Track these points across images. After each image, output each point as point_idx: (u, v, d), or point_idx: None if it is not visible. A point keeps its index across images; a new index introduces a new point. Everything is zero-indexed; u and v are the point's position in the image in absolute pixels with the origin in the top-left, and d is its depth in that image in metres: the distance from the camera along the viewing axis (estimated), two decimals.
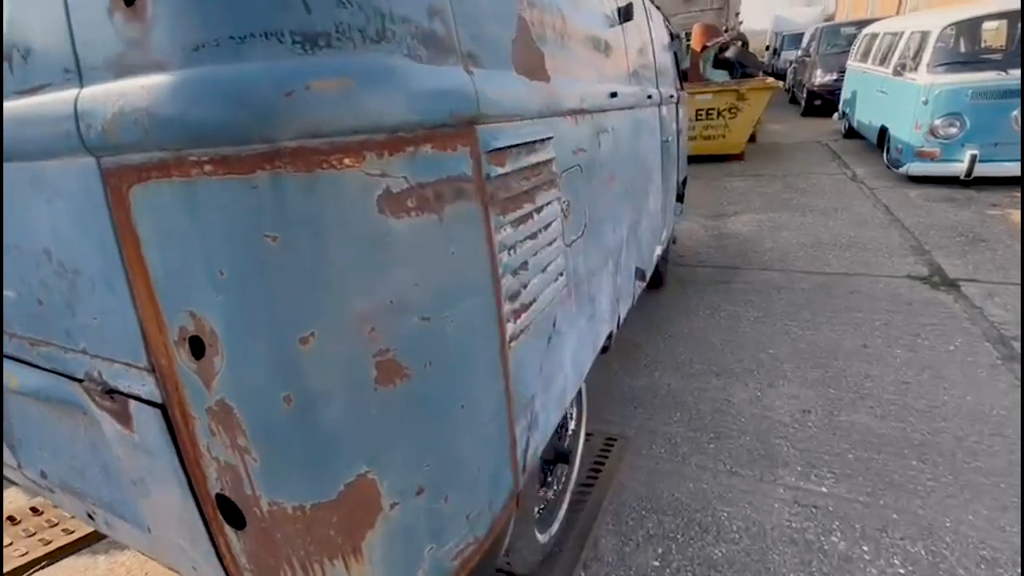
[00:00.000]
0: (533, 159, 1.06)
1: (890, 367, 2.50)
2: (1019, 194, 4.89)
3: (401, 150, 0.67)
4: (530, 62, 1.05)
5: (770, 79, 7.88)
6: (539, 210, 1.10)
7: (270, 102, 0.57)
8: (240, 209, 0.60)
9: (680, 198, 4.10)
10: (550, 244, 1.17)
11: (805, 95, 11.52)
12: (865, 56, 7.96)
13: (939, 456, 1.93)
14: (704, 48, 9.12)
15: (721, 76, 8.66)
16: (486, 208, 0.88)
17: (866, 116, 7.46)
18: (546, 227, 1.14)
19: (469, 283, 0.83)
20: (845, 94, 8.85)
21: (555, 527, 1.67)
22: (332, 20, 0.61)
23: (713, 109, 7.71)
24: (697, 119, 7.75)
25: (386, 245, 0.67)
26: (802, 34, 15.16)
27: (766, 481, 1.89)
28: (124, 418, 0.84)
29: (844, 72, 9.08)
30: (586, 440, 2.08)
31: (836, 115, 9.21)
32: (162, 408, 0.77)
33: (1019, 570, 1.51)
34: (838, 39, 11.44)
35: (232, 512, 0.78)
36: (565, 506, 1.75)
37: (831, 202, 5.33)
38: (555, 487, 1.75)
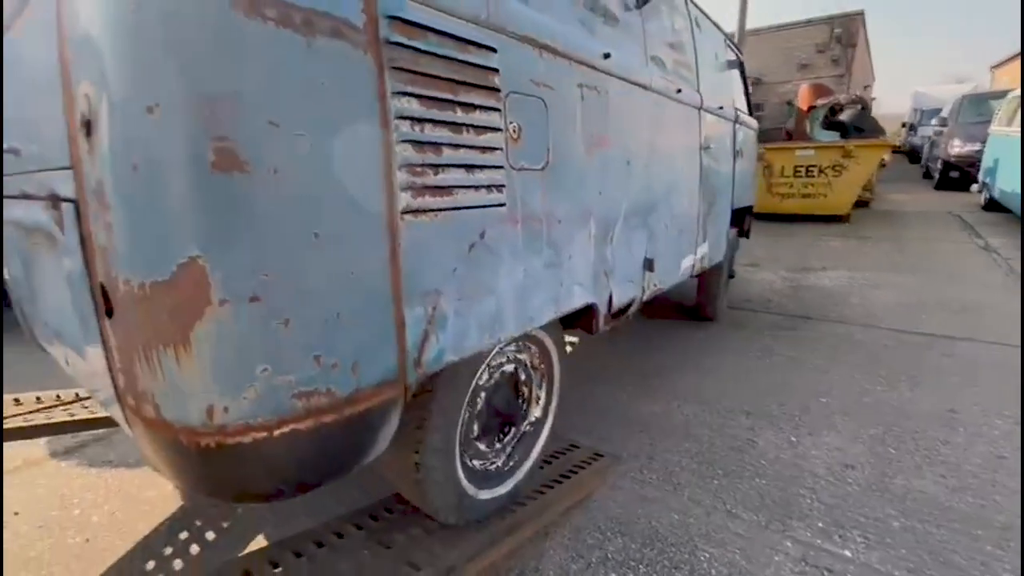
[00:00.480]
0: (462, 56, 1.11)
1: (983, 438, 2.05)
2: None
3: None
4: None
5: (887, 140, 7.29)
6: (467, 108, 1.13)
7: None
8: None
9: (744, 232, 3.87)
10: (484, 148, 1.18)
11: (940, 167, 10.42)
12: (1011, 120, 7.10)
13: None
14: (812, 108, 8.76)
15: (831, 138, 8.21)
16: (380, 66, 0.93)
17: (1010, 184, 6.55)
18: (478, 128, 1.16)
19: (339, 119, 0.88)
20: (986, 162, 7.91)
21: (498, 492, 1.56)
22: None
23: (814, 166, 7.28)
24: (795, 175, 7.34)
25: (235, 38, 0.75)
26: (941, 108, 13.95)
27: (772, 530, 1.60)
28: (60, 223, 0.98)
29: (985, 142, 8.15)
30: (569, 449, 1.96)
31: (975, 186, 8.20)
32: (75, 203, 0.90)
33: (1019, 570, 1.40)
34: (981, 108, 10.32)
35: (108, 302, 0.86)
36: (516, 480, 1.63)
37: (950, 268, 4.70)
38: (507, 453, 1.65)
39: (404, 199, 1.00)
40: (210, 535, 1.57)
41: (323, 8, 0.84)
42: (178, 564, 1.45)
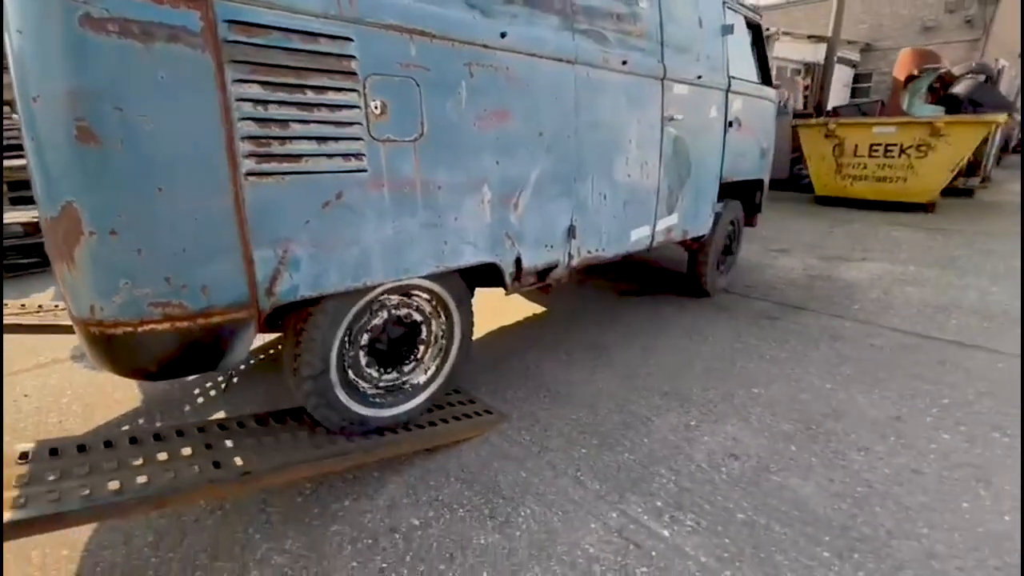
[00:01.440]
0: (310, 47, 1.36)
1: (911, 450, 1.91)
2: None
3: None
4: None
5: (1000, 116, 6.13)
6: (320, 90, 1.39)
7: None
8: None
9: (755, 208, 3.74)
10: (339, 123, 1.44)
11: None
12: None
13: (876, 561, 1.43)
14: (911, 78, 7.66)
15: (934, 113, 7.15)
16: (219, 59, 1.22)
17: None
18: (331, 107, 1.42)
19: (178, 104, 1.18)
20: None
21: (381, 414, 1.87)
22: None
23: (894, 145, 6.45)
24: (871, 155, 6.59)
25: (83, 48, 1.07)
26: None
27: (607, 501, 1.67)
28: None
29: None
30: (466, 402, 2.18)
31: None
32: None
33: (1019, 570, 1.41)
34: None
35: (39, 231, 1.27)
36: (401, 409, 1.92)
37: (1016, 271, 4.09)
38: (398, 384, 1.95)
39: (247, 164, 1.30)
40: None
41: (160, 20, 1.14)
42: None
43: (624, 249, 2.61)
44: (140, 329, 1.25)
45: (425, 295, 1.92)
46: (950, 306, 3.35)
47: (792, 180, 8.62)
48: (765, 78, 3.65)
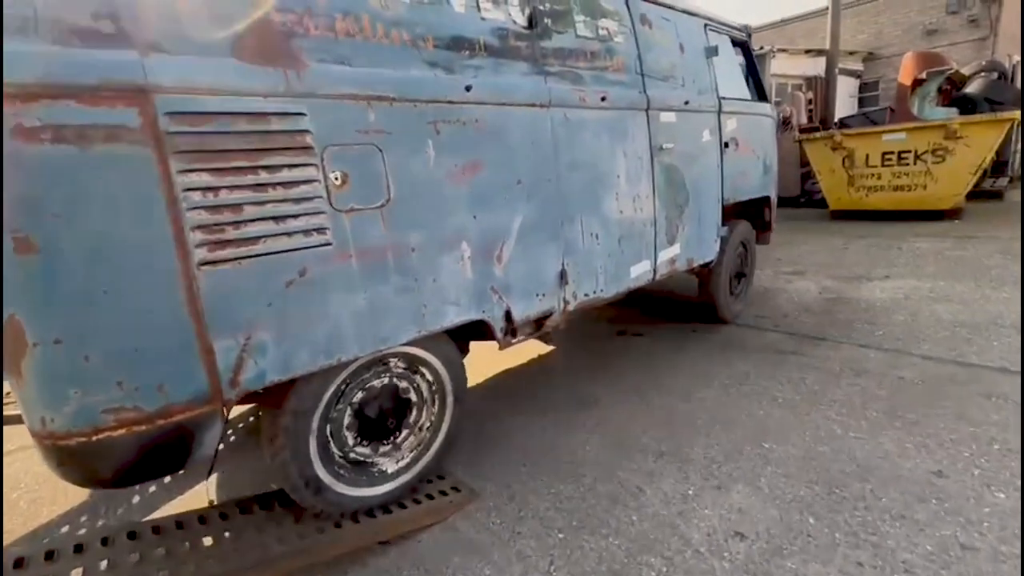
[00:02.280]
0: (262, 127, 1.32)
1: (958, 516, 1.60)
2: None
3: (35, 100, 1.05)
4: (265, 54, 1.32)
5: (1018, 112, 5.83)
6: (273, 169, 1.34)
7: None
8: None
9: (764, 226, 3.59)
10: (297, 200, 1.39)
11: None
12: None
13: None
14: (918, 82, 7.43)
15: (947, 115, 6.87)
16: (162, 153, 1.18)
17: None
18: (287, 184, 1.37)
19: (120, 203, 1.14)
20: None
21: (365, 493, 1.76)
22: None
23: (908, 152, 6.21)
24: (884, 164, 6.34)
25: (18, 159, 1.05)
26: None
27: None
28: None
29: None
30: (435, 479, 1.97)
31: None
32: None
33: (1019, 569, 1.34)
34: None
35: None
36: (390, 486, 1.81)
37: None
38: (394, 456, 1.85)
39: (199, 254, 1.25)
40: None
41: (96, 121, 1.11)
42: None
43: (625, 287, 2.49)
44: (95, 438, 1.18)
45: (414, 363, 1.83)
46: (989, 325, 3.04)
47: (805, 196, 8.37)
48: (760, 94, 3.55)
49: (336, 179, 1.46)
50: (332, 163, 1.45)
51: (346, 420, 1.71)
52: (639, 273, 2.55)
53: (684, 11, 2.80)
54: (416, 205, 1.64)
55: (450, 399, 1.95)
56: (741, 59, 3.47)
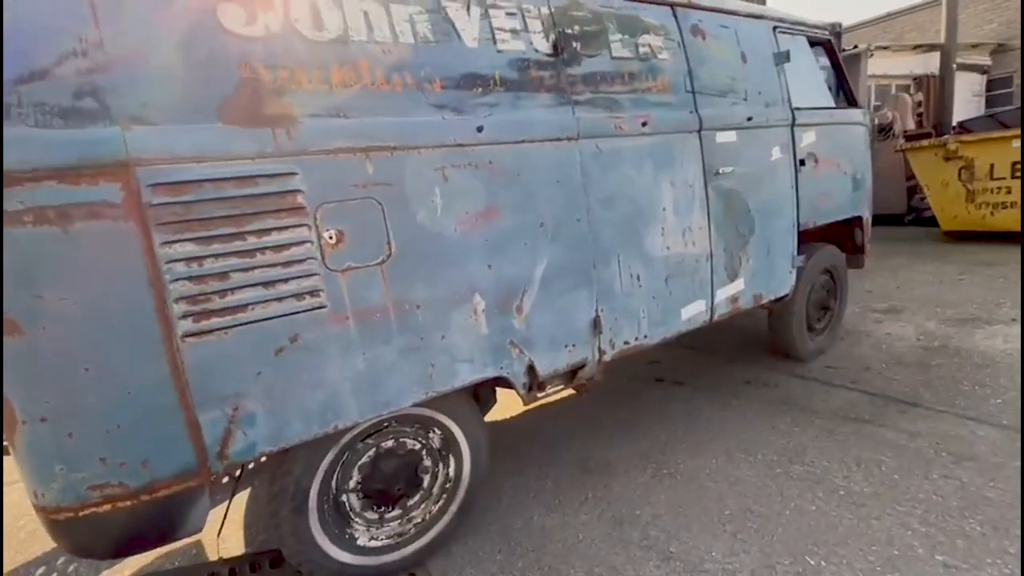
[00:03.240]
0: (249, 190, 1.27)
1: None
2: None
3: (19, 184, 1.05)
4: (252, 115, 1.27)
5: None
6: (261, 233, 1.29)
7: None
8: None
9: (857, 249, 3.11)
10: (287, 263, 1.32)
11: None
12: None
13: None
14: None
15: None
16: (143, 225, 1.16)
17: None
18: (277, 247, 1.31)
19: (101, 279, 1.13)
20: None
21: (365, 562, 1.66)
22: None
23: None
24: (1014, 176, 5.31)
25: (7, 244, 1.06)
26: None
27: None
28: None
29: None
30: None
31: None
32: None
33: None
34: None
35: None
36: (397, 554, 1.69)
37: None
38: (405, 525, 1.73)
39: (183, 325, 1.21)
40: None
41: (78, 200, 1.10)
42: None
43: (675, 331, 2.21)
44: (81, 514, 1.18)
45: (426, 426, 1.71)
46: None
47: (912, 214, 7.21)
48: (849, 99, 3.07)
49: (331, 238, 1.38)
50: (326, 221, 1.37)
51: (351, 485, 1.63)
52: (692, 315, 2.25)
53: (748, 15, 2.47)
54: (421, 258, 1.53)
55: (467, 463, 1.80)
56: (825, 61, 3.03)
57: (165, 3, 1.21)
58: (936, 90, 8.26)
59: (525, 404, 1.88)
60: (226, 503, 1.74)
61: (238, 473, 1.67)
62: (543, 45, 1.77)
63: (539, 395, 1.91)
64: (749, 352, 3.29)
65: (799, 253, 2.73)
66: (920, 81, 8.96)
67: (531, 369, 1.80)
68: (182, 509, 1.28)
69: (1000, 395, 2.48)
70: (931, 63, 8.73)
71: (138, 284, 1.17)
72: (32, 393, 1.12)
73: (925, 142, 5.86)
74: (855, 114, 3.05)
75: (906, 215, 7.22)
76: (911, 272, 4.91)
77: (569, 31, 1.84)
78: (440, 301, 1.57)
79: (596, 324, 1.94)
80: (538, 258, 1.77)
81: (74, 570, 1.88)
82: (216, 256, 1.25)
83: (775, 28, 2.59)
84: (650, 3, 2.10)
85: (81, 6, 1.11)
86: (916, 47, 9.31)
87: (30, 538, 2.11)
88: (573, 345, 1.90)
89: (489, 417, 2.56)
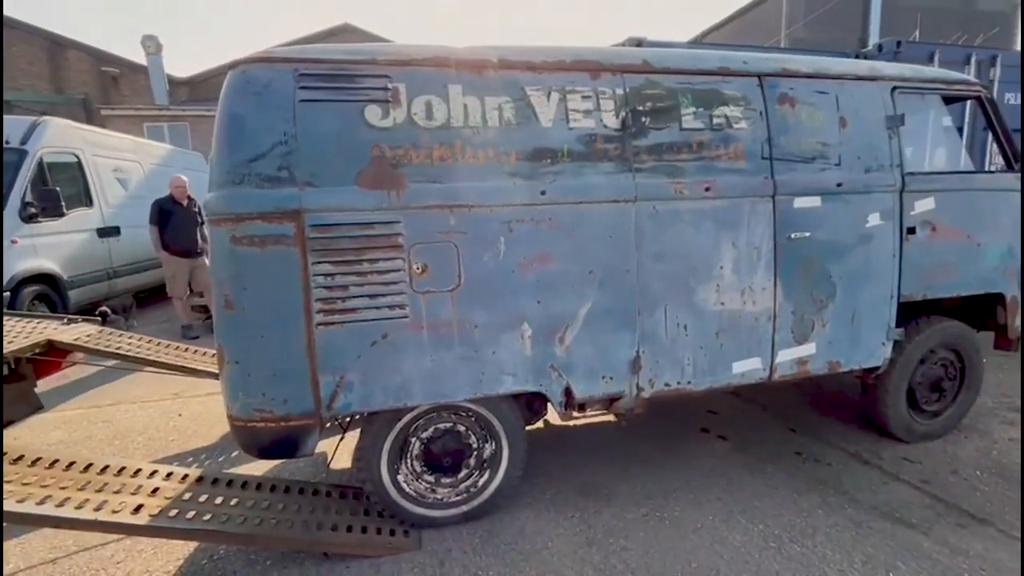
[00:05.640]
0: (368, 232, 1.87)
1: None
2: None
3: (242, 221, 1.78)
4: (376, 181, 1.86)
5: None
6: (372, 261, 1.88)
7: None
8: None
9: (998, 328, 2.80)
10: (387, 283, 1.90)
11: None
12: None
13: None
14: None
15: None
16: (304, 250, 1.82)
17: None
18: (381, 272, 1.89)
19: (280, 280, 1.81)
20: None
21: (429, 513, 2.16)
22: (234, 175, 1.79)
23: None
24: None
25: (232, 255, 1.79)
26: None
27: None
28: None
29: None
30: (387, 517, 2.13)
31: None
32: None
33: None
34: None
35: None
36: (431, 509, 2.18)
37: None
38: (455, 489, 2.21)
39: (318, 317, 1.86)
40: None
41: (270, 232, 1.80)
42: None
43: (724, 382, 2.33)
44: (248, 424, 1.89)
45: (473, 417, 2.17)
46: None
47: None
48: (1008, 161, 2.72)
49: (418, 269, 1.92)
50: (416, 257, 1.91)
51: (414, 452, 2.16)
52: (746, 370, 2.33)
53: (857, 77, 2.42)
54: (483, 290, 1.99)
55: (504, 448, 2.21)
56: (983, 116, 2.74)
57: (334, 108, 1.86)
58: None
59: (562, 419, 2.22)
60: (339, 439, 2.43)
61: (347, 420, 2.34)
62: (612, 122, 2.09)
63: (577, 415, 2.24)
64: (829, 425, 3.09)
65: (900, 325, 2.55)
66: None
67: (568, 391, 2.14)
68: (303, 437, 1.93)
69: None
70: None
71: (297, 286, 1.83)
72: (235, 345, 1.85)
73: None
74: (1005, 179, 2.68)
75: None
76: None
77: (640, 108, 2.12)
78: (495, 324, 2.02)
79: (636, 363, 2.19)
80: (584, 299, 2.10)
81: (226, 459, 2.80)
82: (343, 274, 1.87)
83: (895, 88, 2.47)
84: (734, 75, 2.26)
85: (287, 111, 1.80)
86: None
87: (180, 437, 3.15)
88: (611, 378, 2.18)
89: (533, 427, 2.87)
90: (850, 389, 3.18)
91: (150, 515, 1.85)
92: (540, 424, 2.95)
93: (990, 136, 2.98)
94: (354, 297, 1.89)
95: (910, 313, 2.64)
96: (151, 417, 3.54)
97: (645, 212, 2.13)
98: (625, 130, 2.11)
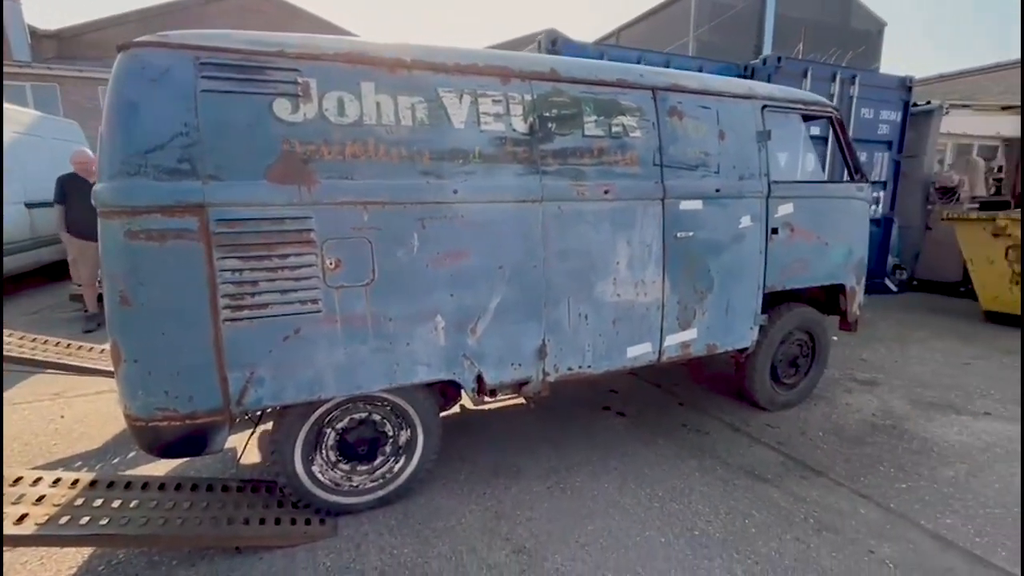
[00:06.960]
0: (278, 227, 1.86)
1: None
2: None
3: (139, 214, 1.70)
4: (287, 176, 1.86)
5: None
6: (283, 256, 1.88)
7: None
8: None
9: (841, 314, 3.30)
10: (299, 278, 1.91)
11: None
12: None
13: None
14: None
15: None
16: (209, 245, 1.78)
17: None
18: (293, 267, 1.89)
19: (182, 276, 1.76)
20: None
21: (341, 500, 2.23)
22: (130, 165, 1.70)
23: None
24: None
25: (127, 249, 1.71)
26: None
27: None
28: None
29: None
30: (304, 506, 2.18)
31: None
32: None
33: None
34: None
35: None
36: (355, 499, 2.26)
37: None
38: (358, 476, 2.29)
39: (225, 313, 1.83)
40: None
41: (171, 226, 1.74)
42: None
43: (620, 365, 2.60)
44: (149, 424, 1.83)
45: (387, 406, 2.26)
46: None
47: (967, 286, 6.62)
48: (851, 172, 3.23)
49: (331, 264, 1.95)
50: (329, 252, 1.94)
51: (328, 442, 2.20)
52: (638, 354, 2.62)
53: (735, 95, 2.76)
54: (397, 285, 2.06)
55: (420, 435, 2.33)
56: (831, 135, 3.21)
57: (240, 100, 1.82)
58: (1018, 154, 7.60)
59: (475, 404, 2.37)
60: (250, 433, 2.39)
61: (258, 415, 2.32)
62: (521, 126, 2.23)
63: (489, 399, 2.40)
64: (711, 399, 3.53)
65: (765, 312, 2.98)
66: (1010, 143, 8.24)
67: (479, 378, 2.29)
68: (210, 434, 1.91)
69: (911, 481, 2.57)
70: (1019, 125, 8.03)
71: (201, 282, 1.79)
72: (132, 343, 1.78)
73: (973, 215, 5.52)
74: (851, 188, 3.20)
75: (961, 285, 6.77)
76: (923, 348, 4.79)
77: (547, 114, 2.28)
78: (409, 317, 2.10)
79: (542, 350, 2.38)
80: (494, 293, 2.24)
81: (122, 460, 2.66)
82: (252, 269, 1.85)
83: (765, 107, 2.85)
84: (631, 88, 2.49)
85: (188, 101, 1.74)
86: (1005, 108, 8.48)
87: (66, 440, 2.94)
88: (519, 364, 2.36)
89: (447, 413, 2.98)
90: (726, 367, 3.65)
91: (36, 524, 1.75)
92: (456, 409, 3.10)
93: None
94: (264, 292, 1.88)
95: (773, 301, 3.09)
96: (27, 421, 3.20)
97: (551, 212, 2.30)
98: (533, 134, 2.25)
